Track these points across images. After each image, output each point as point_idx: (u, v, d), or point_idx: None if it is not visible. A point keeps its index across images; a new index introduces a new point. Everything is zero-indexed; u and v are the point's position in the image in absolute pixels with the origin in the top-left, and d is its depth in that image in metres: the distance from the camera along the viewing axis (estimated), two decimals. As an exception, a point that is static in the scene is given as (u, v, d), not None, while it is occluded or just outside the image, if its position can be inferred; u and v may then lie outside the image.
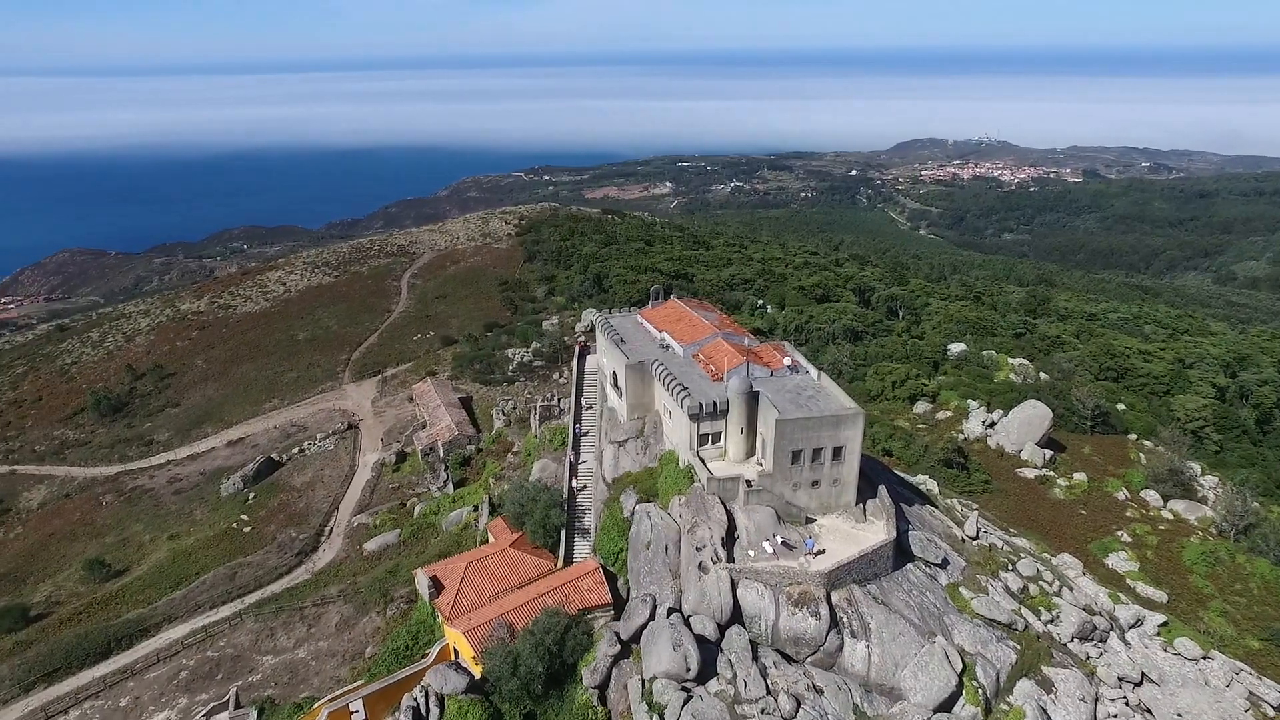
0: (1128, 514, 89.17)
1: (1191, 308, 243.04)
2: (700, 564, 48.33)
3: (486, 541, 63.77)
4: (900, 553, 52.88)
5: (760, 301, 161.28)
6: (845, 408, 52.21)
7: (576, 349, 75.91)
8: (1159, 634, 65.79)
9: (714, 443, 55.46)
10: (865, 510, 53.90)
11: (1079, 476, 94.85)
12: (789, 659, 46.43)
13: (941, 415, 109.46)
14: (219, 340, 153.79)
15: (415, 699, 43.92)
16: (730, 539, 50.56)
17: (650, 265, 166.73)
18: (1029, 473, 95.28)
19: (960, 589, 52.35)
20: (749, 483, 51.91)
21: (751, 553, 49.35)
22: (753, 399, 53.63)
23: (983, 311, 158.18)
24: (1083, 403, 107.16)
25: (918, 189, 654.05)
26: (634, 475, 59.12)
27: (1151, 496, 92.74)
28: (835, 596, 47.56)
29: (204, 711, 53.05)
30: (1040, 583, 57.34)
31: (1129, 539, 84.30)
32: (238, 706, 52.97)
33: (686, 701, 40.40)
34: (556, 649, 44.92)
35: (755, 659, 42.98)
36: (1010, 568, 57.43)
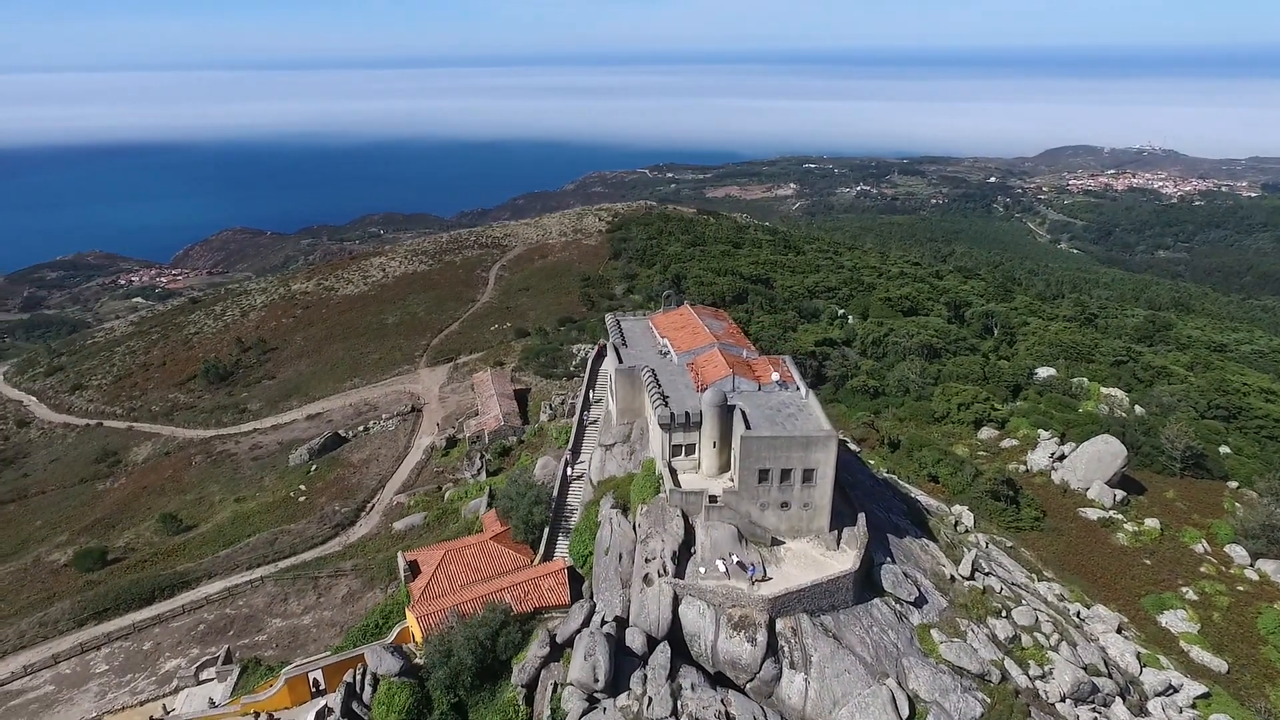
0: (1201, 569, 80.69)
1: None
2: (646, 576, 47.86)
3: (482, 531, 65.47)
4: (869, 586, 50.26)
5: (841, 311, 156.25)
6: (819, 429, 50.10)
7: (595, 349, 76.40)
8: (1194, 706, 59.35)
9: (688, 454, 54.61)
10: (840, 537, 51.55)
11: (1150, 523, 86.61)
12: (726, 683, 45.26)
13: (1007, 443, 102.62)
14: (318, 320, 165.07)
15: (353, 676, 45.99)
16: (687, 554, 49.75)
17: (732, 268, 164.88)
18: (1092, 514, 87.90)
19: (932, 631, 49.10)
20: (713, 498, 50.78)
21: (703, 570, 48.31)
22: (727, 413, 52.36)
23: (1086, 335, 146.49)
24: (1172, 442, 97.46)
25: (1062, 199, 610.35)
26: (617, 480, 59.08)
27: (1237, 553, 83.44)
28: (780, 624, 45.82)
29: (198, 664, 57.58)
30: (1037, 634, 52.84)
31: (1194, 597, 76.34)
32: (226, 663, 57.12)
33: (587, 711, 40.26)
34: (490, 644, 45.74)
35: (672, 677, 42.13)
36: (1004, 614, 53.25)
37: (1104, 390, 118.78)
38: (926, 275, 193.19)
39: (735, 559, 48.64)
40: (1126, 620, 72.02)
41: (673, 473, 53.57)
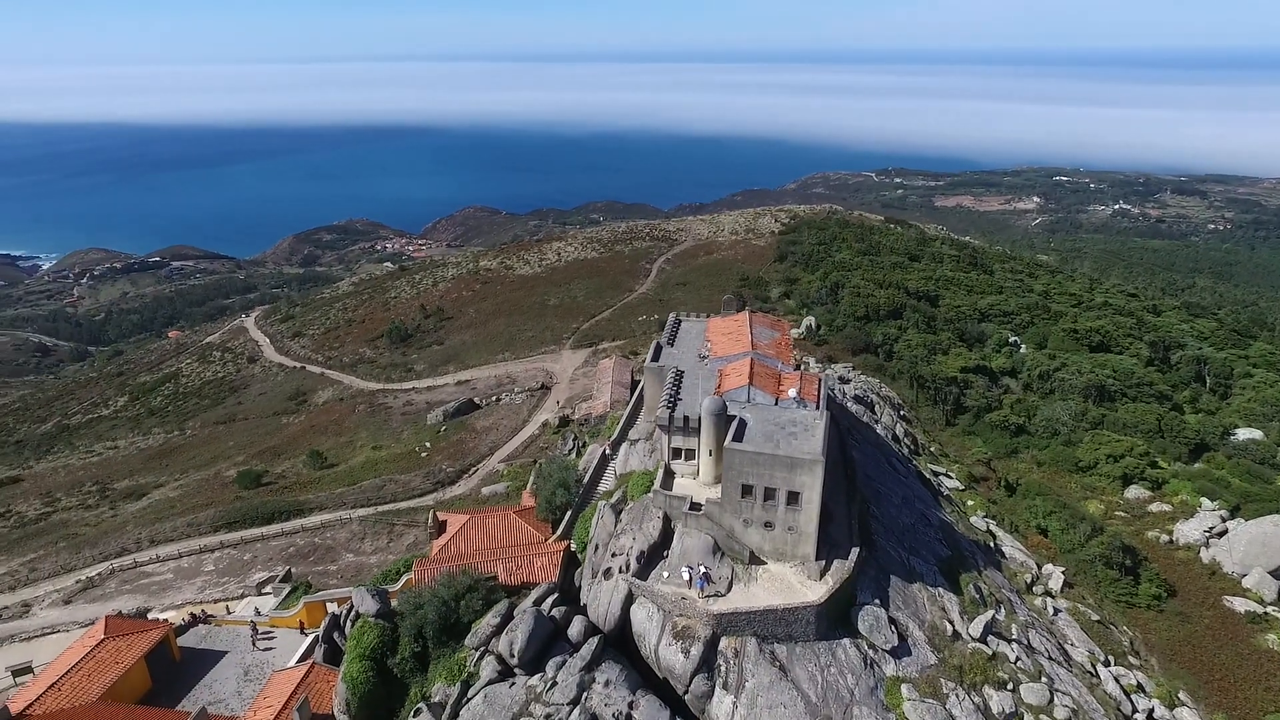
0: (1372, 697, 65.33)
1: None
2: (607, 570, 48.50)
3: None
4: (843, 624, 47.05)
5: (1014, 338, 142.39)
6: (804, 452, 47.54)
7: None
8: None
9: (688, 459, 54.10)
10: (827, 568, 48.67)
11: (1318, 629, 71.32)
12: (668, 690, 44.88)
13: (1157, 508, 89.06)
14: (491, 295, 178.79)
15: (341, 611, 51.21)
16: (660, 556, 49.59)
17: (897, 281, 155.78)
18: (1240, 605, 74.35)
19: (903, 685, 44.97)
20: (695, 505, 50.08)
21: (666, 574, 47.97)
22: (725, 422, 51.16)
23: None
24: (1382, 538, 79.25)
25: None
26: (634, 475, 59.70)
27: None
28: (724, 643, 44.47)
29: (261, 579, 66.58)
30: (1044, 717, 46.39)
31: (1345, 727, 62.14)
32: (285, 581, 65.51)
33: (495, 681, 42.01)
34: (454, 604, 48.78)
35: (589, 669, 42.57)
36: (1010, 687, 47.25)
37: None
38: (1139, 309, 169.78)
39: (703, 569, 47.73)
40: (1225, 733, 60.55)
41: (669, 475, 53.40)
